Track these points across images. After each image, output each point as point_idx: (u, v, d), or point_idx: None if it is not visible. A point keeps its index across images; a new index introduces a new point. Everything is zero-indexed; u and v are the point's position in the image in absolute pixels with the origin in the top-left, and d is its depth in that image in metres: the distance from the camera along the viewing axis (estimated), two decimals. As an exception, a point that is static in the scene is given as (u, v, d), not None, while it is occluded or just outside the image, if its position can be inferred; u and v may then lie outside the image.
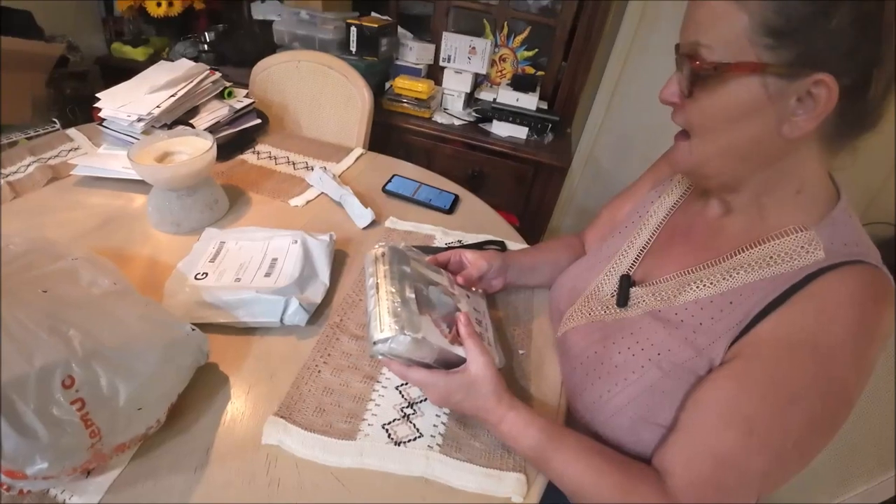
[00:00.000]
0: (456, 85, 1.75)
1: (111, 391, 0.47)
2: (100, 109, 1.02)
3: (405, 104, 1.70)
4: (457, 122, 1.72)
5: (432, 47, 1.78)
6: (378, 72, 1.72)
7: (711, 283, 0.57)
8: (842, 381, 0.48)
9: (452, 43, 1.72)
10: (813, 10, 0.44)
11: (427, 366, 0.58)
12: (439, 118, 1.72)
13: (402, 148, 1.72)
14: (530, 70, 1.79)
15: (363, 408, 0.61)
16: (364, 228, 0.95)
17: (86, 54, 1.83)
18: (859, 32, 0.44)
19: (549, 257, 0.84)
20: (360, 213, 0.96)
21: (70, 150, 1.07)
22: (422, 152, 1.72)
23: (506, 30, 1.73)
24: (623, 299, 0.65)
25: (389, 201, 1.06)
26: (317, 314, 0.73)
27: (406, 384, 0.65)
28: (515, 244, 0.96)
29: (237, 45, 1.81)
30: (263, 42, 1.79)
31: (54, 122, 1.51)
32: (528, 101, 1.64)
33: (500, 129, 1.68)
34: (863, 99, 0.47)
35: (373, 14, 1.77)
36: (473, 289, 0.75)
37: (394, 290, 0.60)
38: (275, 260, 0.76)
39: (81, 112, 1.73)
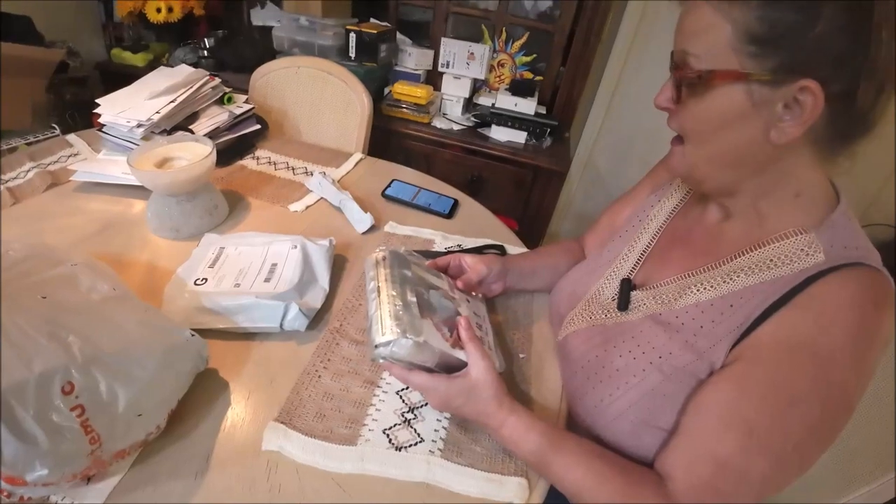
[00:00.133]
0: (455, 90, 1.76)
1: (111, 397, 0.47)
2: (99, 115, 1.02)
3: (404, 109, 1.70)
4: (456, 127, 1.72)
5: (431, 53, 1.79)
6: (377, 77, 1.72)
7: (712, 287, 0.57)
8: (842, 385, 0.48)
9: (451, 48, 1.73)
10: (796, 18, 0.45)
11: (428, 370, 0.58)
12: (438, 123, 1.72)
13: (402, 153, 1.72)
14: (529, 75, 1.80)
15: (364, 413, 0.61)
16: (363, 233, 0.96)
17: (86, 60, 1.83)
18: (845, 39, 0.44)
19: (548, 261, 0.84)
20: (360, 218, 0.96)
21: (70, 156, 1.08)
22: (421, 157, 1.73)
23: (504, 35, 1.74)
24: (624, 303, 0.65)
25: (389, 206, 1.06)
26: (316, 319, 0.73)
27: (406, 389, 0.65)
28: (515, 248, 0.96)
29: (237, 50, 1.82)
30: (263, 48, 1.79)
31: (54, 128, 1.51)
32: (527, 106, 1.65)
33: (499, 133, 1.69)
34: (852, 105, 0.47)
35: (372, 20, 1.77)
36: (473, 293, 0.75)
37: (395, 294, 0.60)
38: (274, 265, 0.76)
39: (81, 118, 1.73)
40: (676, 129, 0.58)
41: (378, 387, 0.65)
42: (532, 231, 1.78)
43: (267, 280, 0.73)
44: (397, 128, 1.69)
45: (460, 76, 1.74)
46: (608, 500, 0.51)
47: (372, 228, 0.96)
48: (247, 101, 1.22)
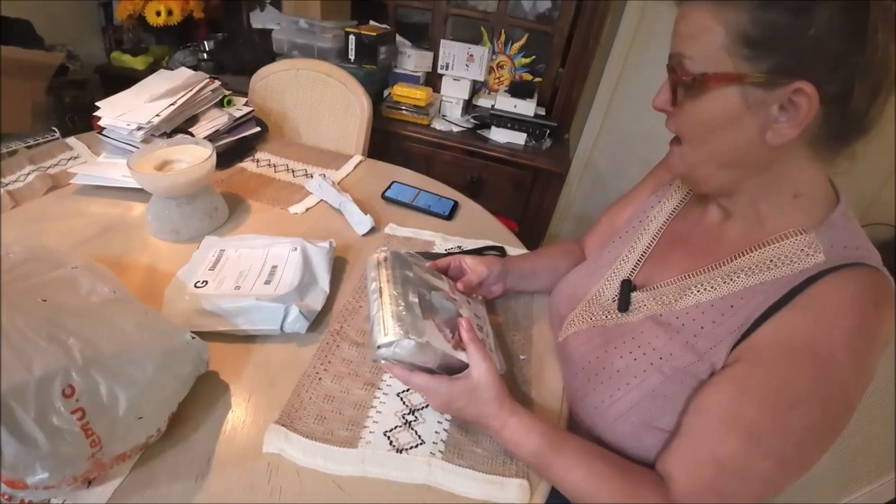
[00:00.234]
0: (454, 92, 1.76)
1: (111, 400, 0.47)
2: (99, 118, 1.02)
3: (404, 111, 1.71)
4: (455, 129, 1.72)
5: (430, 55, 1.79)
6: (377, 79, 1.73)
7: (712, 287, 0.57)
8: (842, 385, 0.48)
9: (450, 50, 1.73)
10: (789, 20, 0.45)
11: (430, 371, 0.58)
12: (438, 125, 1.72)
13: (401, 155, 1.72)
14: (528, 77, 1.80)
15: (364, 415, 0.61)
16: (364, 235, 0.96)
17: (85, 63, 1.83)
18: (840, 40, 0.44)
19: (548, 263, 0.84)
20: (360, 220, 0.96)
21: (70, 159, 1.08)
22: (421, 159, 1.73)
23: (503, 37, 1.75)
24: (624, 304, 0.65)
25: (389, 208, 1.06)
26: (317, 321, 0.73)
27: (407, 390, 0.65)
28: (515, 250, 0.96)
29: (236, 53, 1.82)
30: (262, 51, 1.79)
31: (54, 131, 1.51)
32: (526, 108, 1.65)
33: (499, 135, 1.69)
34: (847, 106, 0.47)
35: (371, 22, 1.78)
36: (473, 295, 0.75)
37: (397, 294, 0.60)
38: (274, 267, 0.76)
39: (81, 121, 1.73)
40: (674, 131, 0.58)
41: (379, 389, 0.65)
42: (532, 232, 1.78)
43: (267, 282, 0.73)
44: (397, 130, 1.69)
45: (459, 78, 1.74)
46: (609, 500, 0.51)
47: (372, 230, 0.96)
48: (246, 104, 1.22)
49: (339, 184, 1.09)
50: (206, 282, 0.74)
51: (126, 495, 0.50)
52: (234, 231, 0.93)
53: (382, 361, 0.57)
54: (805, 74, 0.45)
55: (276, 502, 0.51)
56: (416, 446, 0.58)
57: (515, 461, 0.58)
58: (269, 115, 1.42)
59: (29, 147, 1.40)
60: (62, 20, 1.83)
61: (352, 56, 1.67)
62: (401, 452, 0.57)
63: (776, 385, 0.49)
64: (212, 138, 1.07)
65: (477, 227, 1.03)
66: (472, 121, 1.75)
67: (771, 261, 0.53)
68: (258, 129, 1.23)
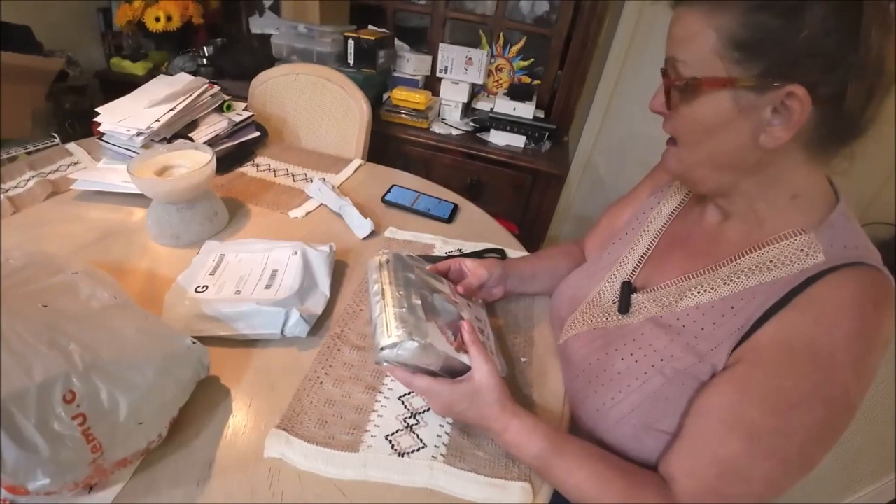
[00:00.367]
0: (453, 95, 1.76)
1: (112, 405, 0.47)
2: (99, 124, 1.02)
3: (403, 115, 1.71)
4: (454, 132, 1.73)
5: (429, 59, 1.80)
6: (376, 84, 1.73)
7: (712, 289, 0.57)
8: (843, 386, 0.47)
9: (449, 54, 1.74)
10: (779, 24, 0.45)
11: (432, 373, 0.58)
12: (437, 128, 1.73)
13: (401, 158, 1.73)
14: (526, 79, 1.80)
15: (366, 419, 0.61)
16: (364, 239, 0.96)
17: (85, 69, 1.83)
18: (833, 42, 0.44)
19: (548, 265, 0.84)
20: (360, 224, 0.96)
21: (70, 165, 1.08)
22: (420, 162, 1.73)
23: (501, 40, 1.75)
24: (624, 306, 0.65)
25: (389, 211, 1.06)
26: (317, 325, 0.72)
27: (409, 394, 0.65)
28: (515, 252, 0.96)
29: (236, 58, 1.83)
30: (262, 55, 1.80)
31: (54, 137, 1.51)
32: (525, 110, 1.65)
33: (498, 138, 1.69)
34: (841, 107, 0.47)
35: (370, 27, 1.78)
36: (473, 298, 0.75)
37: (400, 297, 0.60)
38: (275, 272, 0.76)
39: (81, 126, 1.73)
40: (670, 133, 0.58)
41: (380, 392, 0.65)
42: (532, 234, 1.78)
43: (268, 287, 0.73)
44: (396, 133, 1.70)
45: (458, 81, 1.75)
46: (611, 502, 0.51)
47: (372, 234, 0.96)
48: (246, 109, 1.22)
49: (338, 188, 1.10)
50: (207, 286, 0.74)
51: (127, 501, 0.50)
52: (234, 236, 0.93)
53: (385, 364, 0.57)
54: (797, 77, 0.45)
55: (277, 507, 0.51)
56: (418, 450, 0.58)
57: (518, 464, 0.58)
58: (269, 120, 1.42)
59: (29, 153, 1.41)
60: (62, 26, 1.84)
61: (351, 60, 1.68)
62: (402, 456, 0.57)
63: (776, 386, 0.48)
64: (212, 143, 1.07)
65: (477, 229, 1.03)
66: (472, 124, 1.76)
67: (771, 261, 0.53)
68: (258, 133, 1.24)
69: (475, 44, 1.78)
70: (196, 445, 0.56)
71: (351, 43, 1.65)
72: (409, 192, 1.10)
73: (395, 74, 1.80)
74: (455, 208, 1.08)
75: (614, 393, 0.59)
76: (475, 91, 1.84)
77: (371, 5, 1.83)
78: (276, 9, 1.94)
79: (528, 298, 0.84)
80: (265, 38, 1.82)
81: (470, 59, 1.72)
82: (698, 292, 0.58)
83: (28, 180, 0.99)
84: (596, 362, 0.63)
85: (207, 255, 0.81)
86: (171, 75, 1.17)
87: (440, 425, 0.61)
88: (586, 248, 0.87)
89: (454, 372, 0.59)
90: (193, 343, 0.58)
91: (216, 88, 1.15)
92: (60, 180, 1.01)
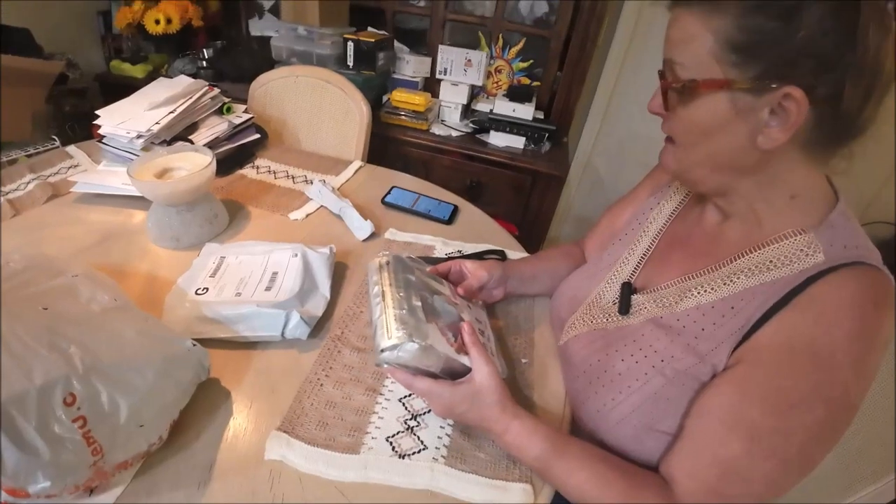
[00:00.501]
0: (452, 97, 1.76)
1: (112, 408, 0.47)
2: (99, 126, 1.02)
3: (403, 117, 1.71)
4: (454, 134, 1.73)
5: (428, 60, 1.80)
6: (375, 85, 1.73)
7: (712, 289, 0.57)
8: (843, 386, 0.47)
9: (448, 56, 1.74)
10: (775, 26, 0.45)
11: (432, 375, 0.58)
12: (437, 130, 1.73)
13: (401, 160, 1.73)
14: (526, 81, 1.81)
15: (366, 421, 0.61)
16: (364, 240, 0.96)
17: (85, 71, 1.84)
18: (830, 43, 0.44)
19: (548, 266, 0.84)
20: (360, 226, 0.96)
21: (70, 168, 1.08)
22: (420, 164, 1.73)
23: (501, 42, 1.75)
24: (625, 307, 0.65)
25: (389, 213, 1.06)
26: (318, 327, 0.72)
27: (409, 396, 0.65)
28: (515, 253, 0.96)
29: (235, 61, 1.83)
30: (261, 58, 1.80)
31: (54, 140, 1.51)
32: (525, 112, 1.65)
33: (498, 139, 1.69)
34: (839, 108, 0.47)
35: (369, 29, 1.79)
36: (473, 300, 0.75)
37: (400, 298, 0.60)
38: (275, 274, 0.76)
39: (81, 129, 1.73)
40: (668, 133, 0.58)
41: (380, 394, 0.65)
42: (532, 235, 1.78)
43: (268, 289, 0.73)
44: (396, 135, 1.70)
45: (458, 83, 1.75)
46: (612, 503, 0.51)
47: (372, 236, 0.96)
48: (246, 111, 1.23)
49: (338, 189, 1.10)
50: (207, 289, 0.74)
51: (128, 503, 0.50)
52: (234, 238, 0.93)
53: (385, 365, 0.57)
54: (794, 79, 0.45)
55: (278, 509, 0.51)
56: (419, 451, 0.58)
57: (519, 465, 0.58)
58: (269, 122, 1.42)
59: (29, 156, 1.41)
60: (62, 29, 1.84)
61: (350, 62, 1.68)
62: (403, 458, 0.57)
63: (777, 386, 0.48)
64: (211, 145, 1.08)
65: (477, 231, 1.03)
66: (471, 125, 1.76)
67: (770, 261, 0.53)
68: (258, 135, 1.24)
69: (474, 45, 1.78)
70: (197, 448, 0.56)
71: (350, 45, 1.65)
72: (408, 194, 1.11)
73: (395, 76, 1.80)
74: (455, 210, 1.08)
75: (615, 394, 0.59)
76: (475, 92, 1.84)
77: (370, 7, 1.83)
78: (275, 11, 1.95)
79: (529, 300, 0.84)
80: (265, 41, 1.83)
81: (469, 60, 1.72)
82: (698, 293, 0.58)
83: (28, 183, 0.99)
84: (596, 363, 0.63)
85: (207, 258, 0.81)
86: (171, 78, 1.17)
87: (441, 427, 0.61)
88: (586, 248, 0.87)
89: (455, 373, 0.59)
90: (194, 345, 0.58)
91: (216, 91, 1.16)
92: (60, 183, 1.01)
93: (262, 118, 1.40)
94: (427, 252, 0.94)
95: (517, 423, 0.56)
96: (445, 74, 1.77)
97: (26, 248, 0.82)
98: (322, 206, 1.04)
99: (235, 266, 0.78)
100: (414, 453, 0.58)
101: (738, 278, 0.55)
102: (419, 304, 0.60)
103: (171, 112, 1.04)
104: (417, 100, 1.68)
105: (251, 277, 0.76)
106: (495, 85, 1.83)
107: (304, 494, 0.53)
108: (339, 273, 0.85)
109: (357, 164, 1.26)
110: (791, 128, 0.47)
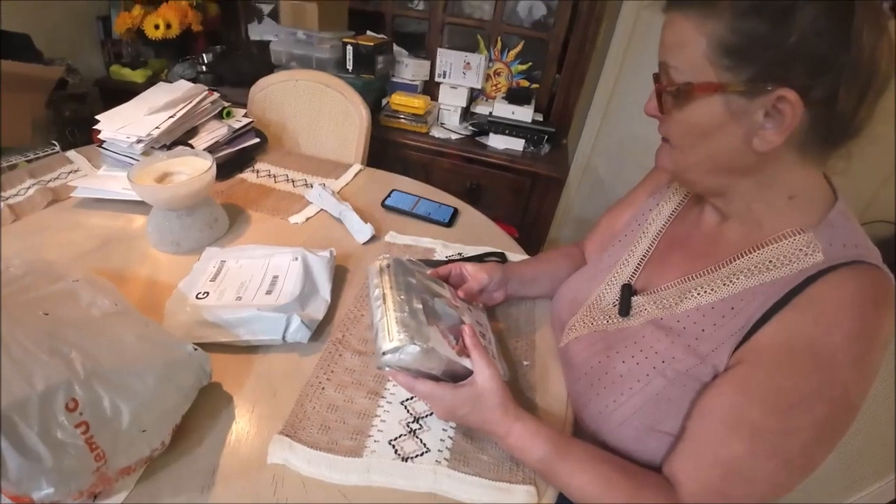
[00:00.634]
0: (452, 100, 1.77)
1: (114, 413, 0.47)
2: (99, 131, 1.02)
3: (402, 120, 1.71)
4: (454, 136, 1.73)
5: (427, 64, 1.80)
6: (375, 89, 1.73)
7: (712, 290, 0.57)
8: (843, 386, 0.48)
9: (447, 59, 1.74)
10: (768, 29, 0.45)
11: (434, 378, 0.58)
12: (436, 133, 1.73)
13: (400, 163, 1.73)
14: (525, 83, 1.81)
15: (368, 424, 0.61)
16: (364, 244, 0.96)
17: (85, 76, 1.84)
18: (824, 44, 0.44)
19: (548, 268, 0.85)
20: (360, 229, 0.96)
21: (70, 172, 1.08)
22: (419, 167, 1.73)
23: (499, 44, 1.76)
24: (625, 308, 0.65)
25: (389, 216, 1.06)
26: (319, 331, 0.72)
27: (411, 399, 0.65)
28: (515, 255, 0.96)
29: (235, 65, 1.83)
30: (261, 62, 1.80)
31: (54, 145, 1.51)
32: (524, 114, 1.66)
33: (497, 141, 1.69)
34: (834, 109, 0.47)
35: (368, 33, 1.79)
36: (474, 303, 0.75)
37: (401, 301, 0.60)
38: (275, 277, 0.76)
39: (81, 134, 1.73)
40: (664, 135, 0.59)
41: (382, 397, 0.65)
42: (532, 238, 1.78)
43: (268, 292, 0.73)
44: (395, 138, 1.70)
45: (457, 86, 1.75)
46: (615, 505, 0.51)
47: (372, 239, 0.96)
48: (246, 115, 1.23)
49: (338, 193, 1.10)
50: (208, 293, 0.74)
51: (130, 509, 0.50)
52: (234, 242, 0.93)
53: (387, 368, 0.57)
54: (788, 81, 0.45)
55: (280, 513, 0.51)
56: (422, 454, 0.58)
57: (522, 467, 0.58)
58: (269, 126, 1.43)
59: (29, 161, 1.41)
60: (61, 34, 1.84)
61: (350, 66, 1.68)
62: (406, 461, 0.57)
63: (777, 386, 0.48)
64: (211, 150, 1.08)
65: (477, 233, 1.03)
66: (471, 128, 1.76)
67: (770, 262, 0.53)
68: (258, 139, 1.24)
69: (473, 48, 1.78)
70: (199, 452, 0.56)
71: (350, 49, 1.65)
72: (408, 197, 1.11)
73: (394, 80, 1.81)
74: (455, 212, 1.08)
75: (616, 395, 0.59)
76: (474, 95, 1.84)
77: (369, 11, 1.83)
78: (274, 15, 1.95)
79: (529, 302, 0.84)
80: (264, 45, 1.83)
81: (468, 63, 1.73)
82: (698, 294, 0.58)
83: (28, 188, 0.99)
84: (597, 365, 0.63)
85: (208, 262, 0.81)
86: (171, 82, 1.18)
87: (443, 430, 0.61)
88: (586, 250, 0.87)
89: (456, 376, 0.59)
90: (195, 350, 0.58)
91: (216, 95, 1.16)
92: (61, 188, 1.01)
93: (262, 122, 1.40)
94: (427, 255, 0.95)
95: (519, 425, 0.56)
96: (444, 77, 1.77)
97: (26, 253, 0.82)
98: (322, 209, 1.04)
99: (236, 270, 0.78)
100: (417, 456, 0.58)
101: (738, 279, 0.55)
102: (420, 306, 0.60)
103: (171, 117, 1.04)
104: (417, 103, 1.68)
105: (252, 281, 0.76)
106: (494, 87, 1.83)
107: (307, 498, 0.53)
108: (339, 276, 0.85)
109: (357, 167, 1.27)
110: (786, 130, 0.47)
